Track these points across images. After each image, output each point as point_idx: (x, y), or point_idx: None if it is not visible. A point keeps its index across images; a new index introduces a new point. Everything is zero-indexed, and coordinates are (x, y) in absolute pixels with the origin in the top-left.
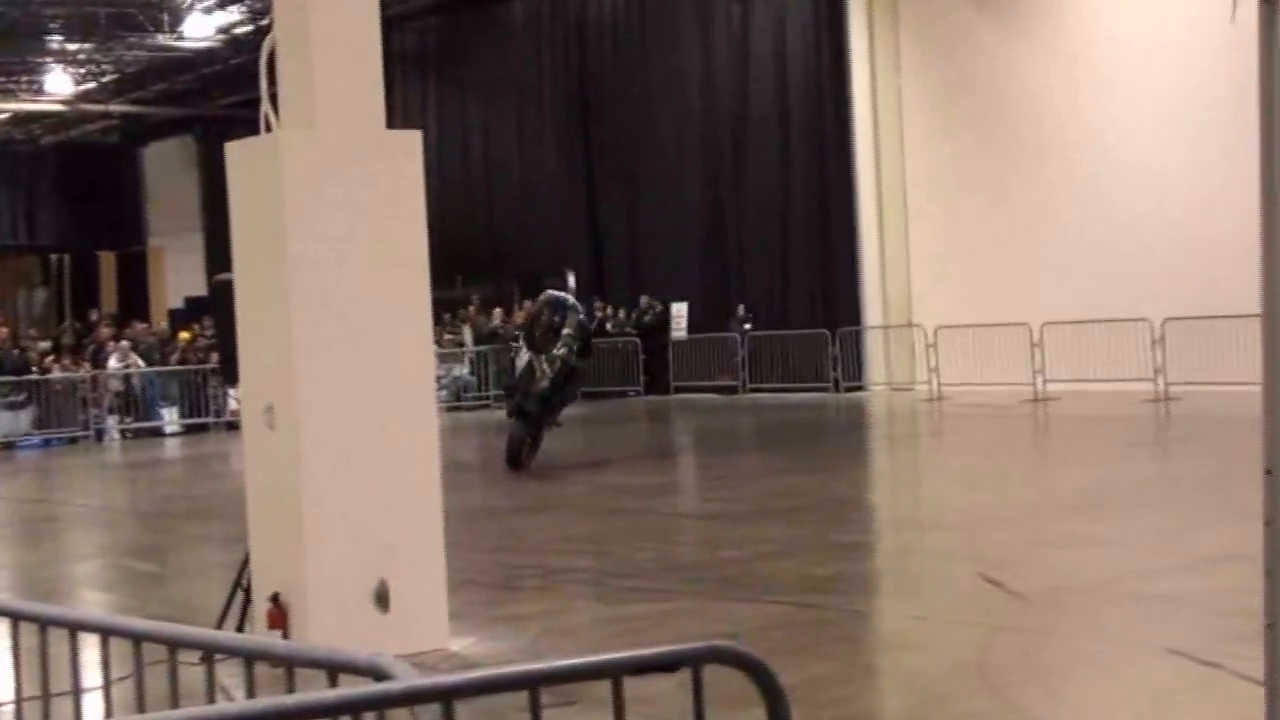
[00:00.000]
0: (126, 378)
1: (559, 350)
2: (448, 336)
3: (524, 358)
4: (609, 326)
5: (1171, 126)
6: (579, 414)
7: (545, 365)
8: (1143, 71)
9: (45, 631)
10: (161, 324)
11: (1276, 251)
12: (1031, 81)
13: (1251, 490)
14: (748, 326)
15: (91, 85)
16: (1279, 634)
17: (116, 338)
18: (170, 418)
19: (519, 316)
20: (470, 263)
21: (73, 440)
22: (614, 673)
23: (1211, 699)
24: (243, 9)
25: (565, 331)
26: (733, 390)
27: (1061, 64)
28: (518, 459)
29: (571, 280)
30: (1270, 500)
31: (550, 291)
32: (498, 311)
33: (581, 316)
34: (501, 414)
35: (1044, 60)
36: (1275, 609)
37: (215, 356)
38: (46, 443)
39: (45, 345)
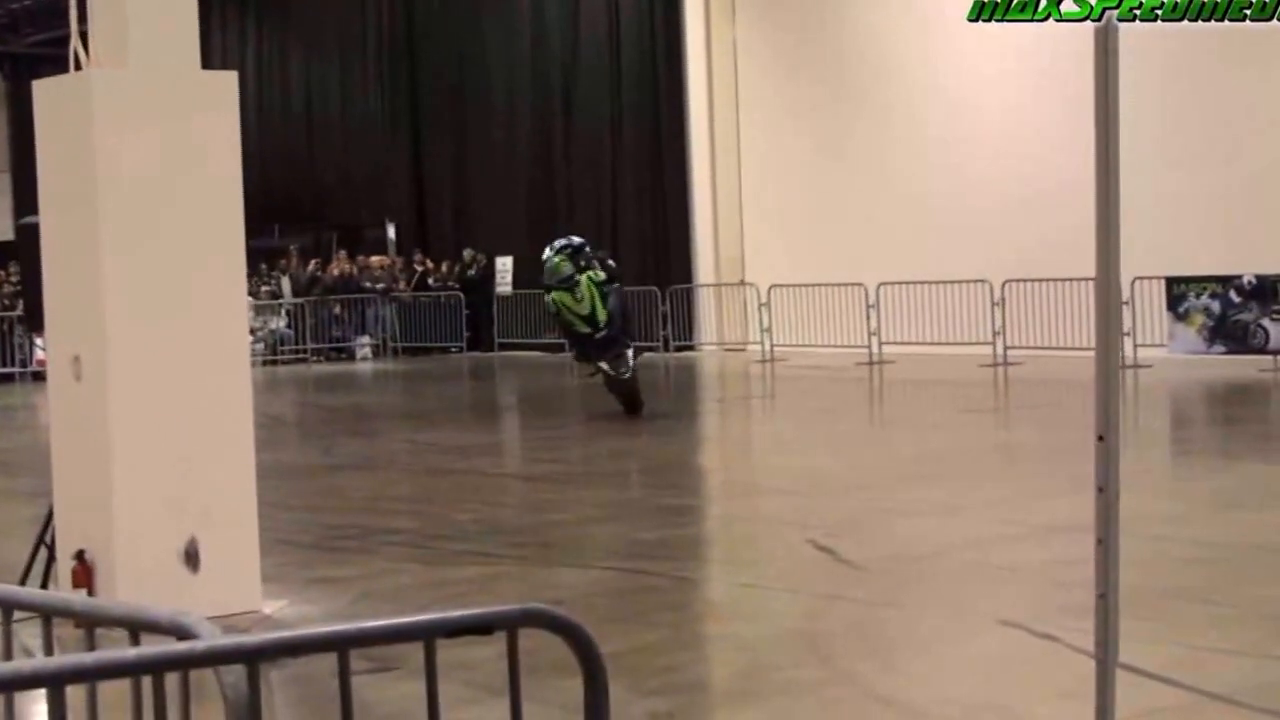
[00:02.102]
0: None
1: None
2: (264, 288)
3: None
4: (431, 280)
5: (1018, 82)
6: (400, 370)
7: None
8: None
9: None
10: None
11: (1111, 214)
12: (876, 31)
13: (1088, 458)
14: None
15: None
16: (1110, 604)
17: None
18: None
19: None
20: (289, 212)
21: None
22: (426, 635)
23: (1046, 671)
24: None
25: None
26: (558, 348)
27: (908, 13)
28: (634, 402)
29: (391, 232)
30: (1102, 467)
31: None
32: (315, 262)
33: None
34: (319, 369)
35: (890, 9)
36: (1107, 579)
37: (20, 304)
38: None
39: None
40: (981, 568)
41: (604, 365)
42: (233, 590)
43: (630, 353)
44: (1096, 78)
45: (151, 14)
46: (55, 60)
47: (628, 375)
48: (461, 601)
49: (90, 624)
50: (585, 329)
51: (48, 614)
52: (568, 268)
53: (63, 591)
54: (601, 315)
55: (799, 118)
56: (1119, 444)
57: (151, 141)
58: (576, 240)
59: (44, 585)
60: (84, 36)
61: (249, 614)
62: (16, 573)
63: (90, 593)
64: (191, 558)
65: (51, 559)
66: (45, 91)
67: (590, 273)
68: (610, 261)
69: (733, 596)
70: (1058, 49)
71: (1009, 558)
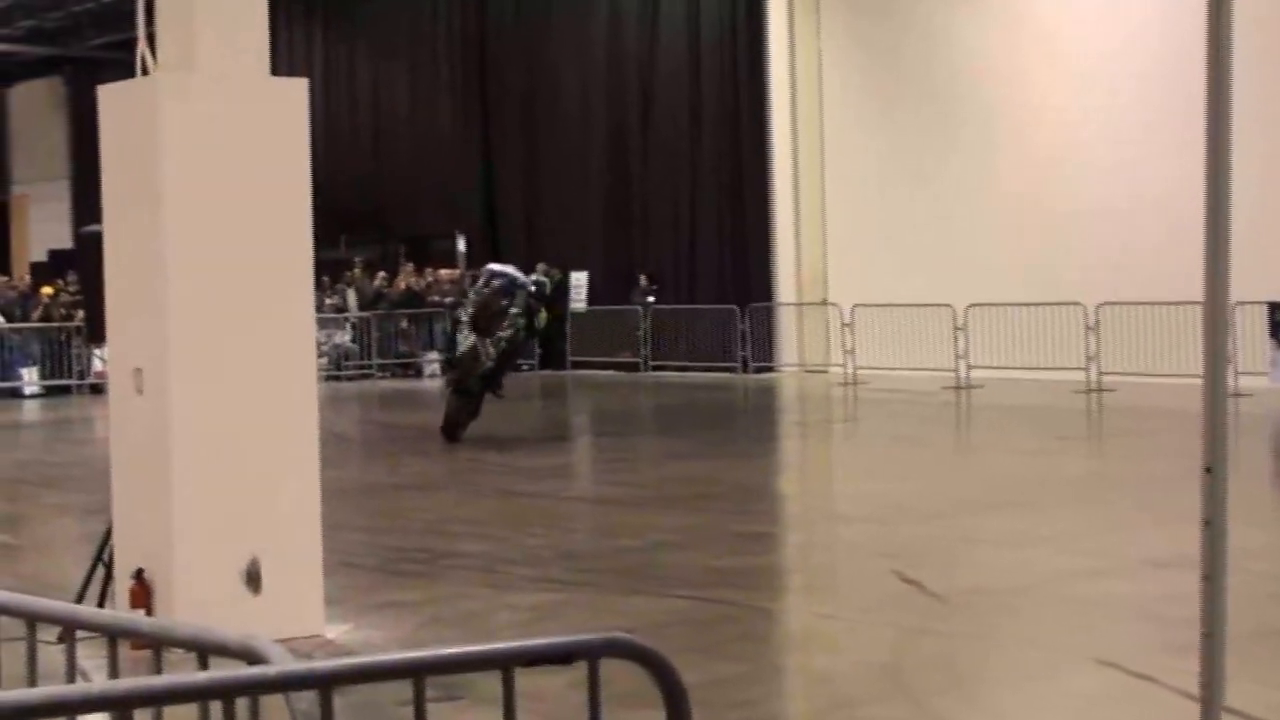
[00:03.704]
0: None
1: (505, 333)
2: (329, 301)
3: (468, 340)
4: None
5: (1118, 95)
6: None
7: (490, 349)
8: (1091, 39)
9: None
10: (24, 278)
11: (1221, 236)
12: (968, 44)
13: (1189, 489)
14: (651, 299)
15: None
16: (1216, 643)
17: None
18: (30, 378)
19: (439, 279)
20: (355, 223)
21: None
22: (504, 663)
23: (1143, 713)
24: None
25: (513, 311)
26: (634, 367)
27: (1004, 26)
28: (455, 432)
29: (462, 245)
30: (1209, 499)
31: (493, 267)
32: (381, 275)
33: (531, 288)
34: (385, 385)
35: (984, 21)
36: (1213, 616)
37: (80, 314)
38: None
39: None
40: (1074, 602)
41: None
42: (295, 613)
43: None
44: (1209, 77)
45: (222, 17)
46: (119, 65)
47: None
48: (531, 629)
49: (156, 645)
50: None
51: (113, 634)
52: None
53: (123, 612)
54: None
55: (886, 130)
56: (1226, 476)
57: (220, 149)
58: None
59: (100, 604)
60: (151, 40)
61: (311, 638)
62: (72, 592)
63: (148, 613)
64: (253, 579)
65: (109, 578)
66: (111, 97)
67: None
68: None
69: (812, 628)
70: (1162, 59)
71: (1103, 592)
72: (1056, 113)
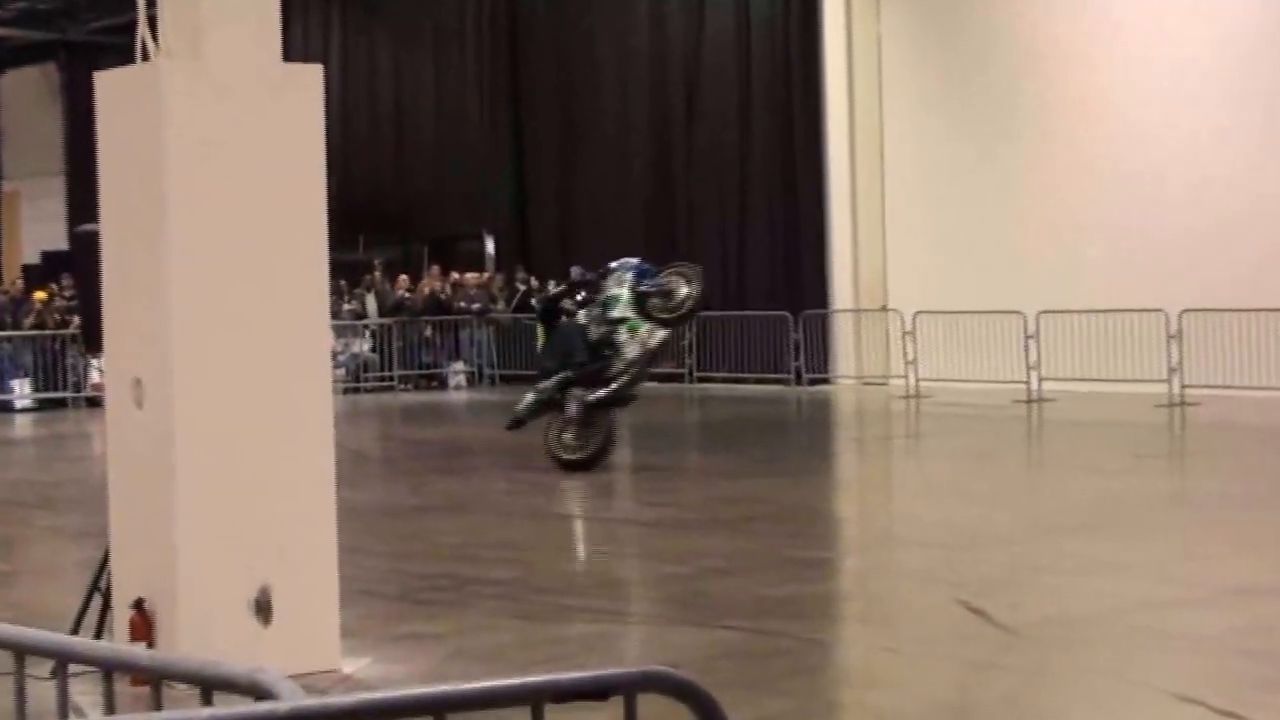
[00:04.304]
0: None
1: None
2: (347, 307)
3: (655, 334)
4: (534, 301)
5: (1206, 87)
6: (497, 401)
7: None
8: (1172, 26)
9: None
10: (15, 282)
11: None
12: (1037, 31)
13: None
14: None
15: None
16: None
17: None
18: (22, 390)
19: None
20: (375, 222)
21: None
22: (535, 698)
23: None
24: None
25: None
26: (677, 378)
27: (1074, 12)
28: (609, 449)
29: (490, 245)
30: None
31: (632, 260)
32: (403, 279)
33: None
34: (407, 398)
35: (1053, 7)
36: None
37: (76, 321)
38: None
39: None
40: (1153, 634)
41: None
42: (309, 646)
43: (559, 396)
44: None
45: None
46: (119, 49)
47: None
48: (567, 663)
49: (156, 680)
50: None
51: (109, 668)
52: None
53: (121, 644)
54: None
55: (950, 123)
56: None
57: (227, 141)
58: (613, 264)
59: (97, 636)
60: (153, 22)
61: (327, 673)
62: (67, 622)
63: (149, 646)
64: (263, 608)
65: (106, 607)
66: (109, 84)
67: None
68: (648, 284)
69: (871, 662)
70: (1252, 49)
71: (1185, 623)
72: (1132, 102)
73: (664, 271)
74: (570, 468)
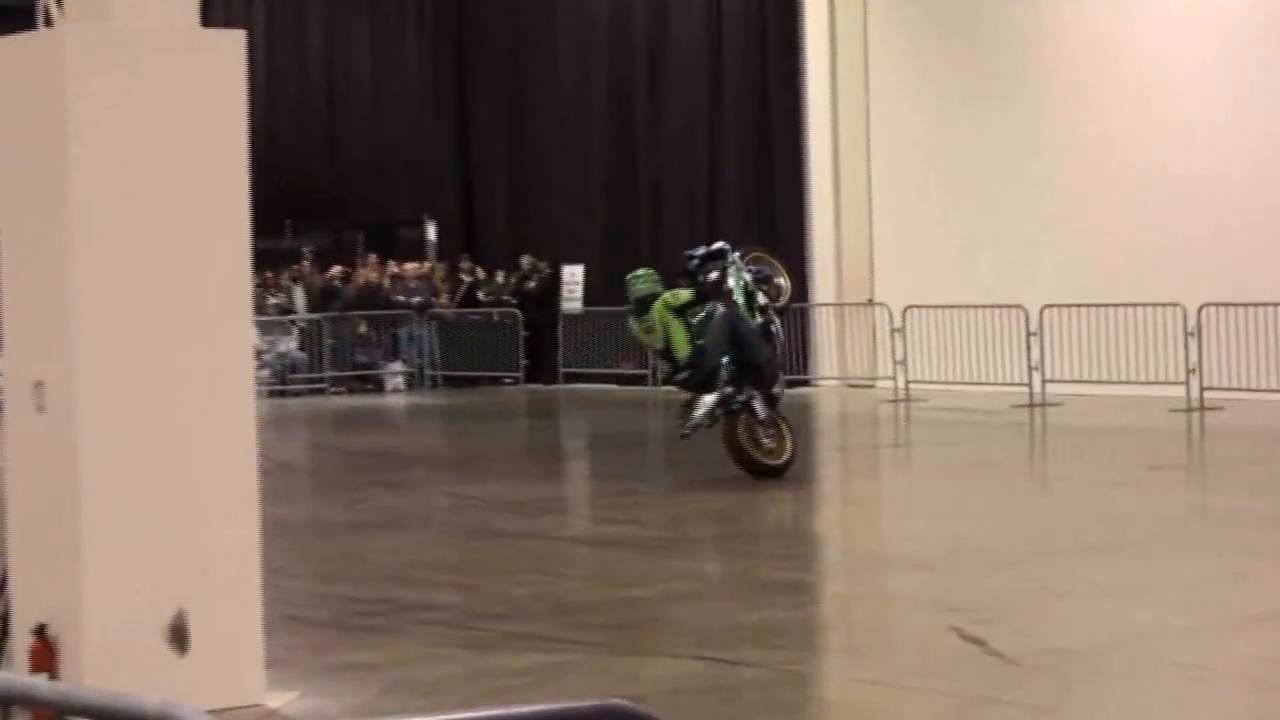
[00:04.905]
0: None
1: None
2: (272, 300)
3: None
4: (480, 294)
5: (1225, 61)
6: (440, 405)
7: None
8: (1179, 11)
9: None
10: None
11: None
12: (1038, 2)
13: None
14: None
15: None
16: None
17: None
18: None
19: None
20: (304, 206)
21: None
22: None
23: None
24: None
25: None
26: (639, 381)
27: None
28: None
29: (432, 231)
30: None
31: (721, 245)
32: (336, 269)
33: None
34: (340, 402)
35: None
36: None
37: None
38: None
39: None
40: (1169, 665)
41: (696, 412)
42: (230, 678)
43: (744, 395)
44: None
45: None
46: (17, 13)
47: (710, 424)
48: (518, 697)
49: (59, 714)
50: (668, 367)
51: (7, 702)
52: (644, 287)
53: (21, 674)
54: (680, 350)
55: (943, 100)
56: None
57: (137, 116)
58: (714, 247)
59: None
60: None
61: (250, 708)
62: None
63: (52, 676)
64: (179, 635)
65: (5, 634)
66: (4, 53)
67: (669, 294)
68: (748, 273)
69: (856, 696)
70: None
71: (1205, 653)
72: (1141, 79)
73: (747, 258)
74: (769, 474)
